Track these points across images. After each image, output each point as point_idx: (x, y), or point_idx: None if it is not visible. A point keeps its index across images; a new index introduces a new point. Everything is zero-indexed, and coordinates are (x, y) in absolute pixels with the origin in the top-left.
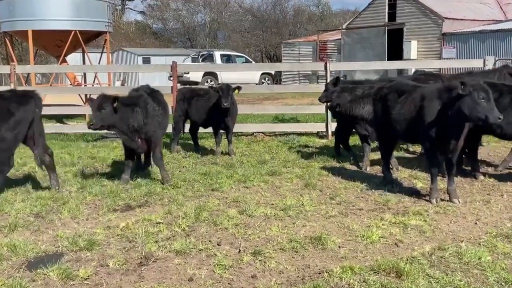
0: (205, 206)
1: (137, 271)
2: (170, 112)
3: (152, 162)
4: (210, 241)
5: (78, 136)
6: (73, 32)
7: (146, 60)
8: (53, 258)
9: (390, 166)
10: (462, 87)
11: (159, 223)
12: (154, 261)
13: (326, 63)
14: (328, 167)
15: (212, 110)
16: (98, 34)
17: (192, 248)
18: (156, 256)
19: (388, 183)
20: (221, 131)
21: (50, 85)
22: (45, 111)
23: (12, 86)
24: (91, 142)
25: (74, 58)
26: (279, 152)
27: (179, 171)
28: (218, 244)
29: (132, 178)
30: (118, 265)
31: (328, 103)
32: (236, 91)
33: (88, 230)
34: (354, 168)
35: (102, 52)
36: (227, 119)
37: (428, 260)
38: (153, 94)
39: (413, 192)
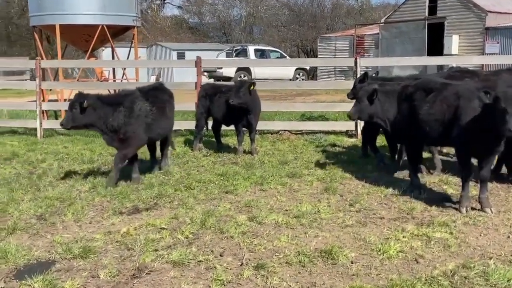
0: (214, 211)
1: (128, 284)
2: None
3: (168, 162)
4: (212, 251)
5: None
6: (100, 27)
7: (181, 55)
8: (44, 267)
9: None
10: (488, 95)
11: (163, 229)
12: (148, 273)
13: (356, 59)
14: (353, 169)
15: (234, 107)
16: (125, 29)
17: (191, 259)
18: (151, 268)
19: (415, 189)
20: (244, 129)
21: (78, 80)
22: None
23: (37, 81)
24: None
25: (107, 53)
26: (303, 152)
27: (197, 171)
28: (220, 255)
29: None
30: (110, 276)
31: None
32: (252, 86)
33: (88, 235)
34: (380, 171)
35: (130, 47)
36: (249, 116)
37: (450, 281)
38: (153, 92)
39: (442, 200)
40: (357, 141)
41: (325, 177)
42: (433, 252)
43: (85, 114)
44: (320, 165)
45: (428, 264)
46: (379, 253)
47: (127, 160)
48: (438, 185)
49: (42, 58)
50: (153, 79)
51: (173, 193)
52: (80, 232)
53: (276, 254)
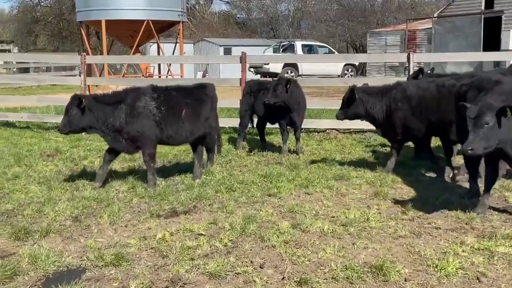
0: (256, 216)
1: None
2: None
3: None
4: (251, 262)
5: None
6: (145, 22)
7: (227, 51)
8: (74, 275)
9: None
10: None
11: (201, 235)
12: (182, 286)
13: (409, 54)
14: (405, 172)
15: (274, 105)
16: (171, 24)
17: (229, 271)
18: (186, 280)
19: (473, 196)
20: (289, 127)
21: (123, 76)
22: None
23: (82, 77)
24: None
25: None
26: (352, 152)
27: (239, 171)
28: (260, 267)
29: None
30: None
31: None
32: (289, 84)
33: (122, 239)
34: (434, 174)
35: (176, 43)
36: (292, 114)
37: None
38: (172, 92)
39: (504, 208)
40: None
41: (375, 180)
42: (497, 270)
43: (82, 116)
44: (369, 166)
45: (491, 284)
46: (436, 269)
47: (155, 160)
48: (499, 192)
49: (88, 54)
50: (199, 75)
51: (214, 195)
52: (115, 236)
53: (321, 267)
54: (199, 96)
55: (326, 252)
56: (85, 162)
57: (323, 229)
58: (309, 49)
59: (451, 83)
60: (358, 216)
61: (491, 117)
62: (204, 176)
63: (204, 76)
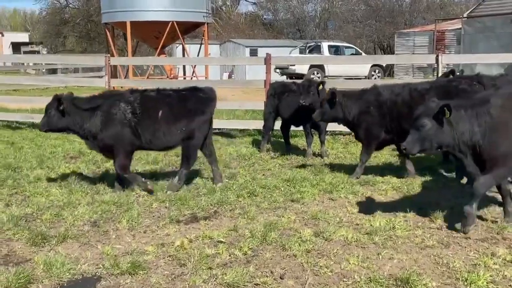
0: (277, 223)
1: None
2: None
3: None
4: (272, 272)
5: None
6: (170, 23)
7: (253, 52)
8: (88, 284)
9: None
10: None
11: (220, 242)
12: None
13: (437, 55)
14: (433, 176)
15: (302, 107)
16: (196, 25)
17: (247, 281)
18: None
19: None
20: (313, 130)
21: (147, 78)
22: None
23: (106, 79)
24: None
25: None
26: (378, 156)
27: (262, 175)
28: (280, 277)
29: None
30: None
31: None
32: (320, 86)
33: (140, 246)
34: (465, 179)
35: (200, 44)
36: None
37: None
38: (151, 96)
39: None
40: None
41: (402, 185)
42: None
43: (60, 118)
44: (395, 171)
45: None
46: (466, 283)
47: (128, 169)
48: None
49: (113, 55)
50: (225, 76)
51: (235, 200)
52: (133, 242)
53: (344, 279)
54: (191, 99)
55: (350, 263)
56: (108, 164)
57: (347, 238)
58: (335, 50)
59: (425, 87)
60: (384, 224)
61: (427, 120)
62: (227, 180)
63: (230, 77)
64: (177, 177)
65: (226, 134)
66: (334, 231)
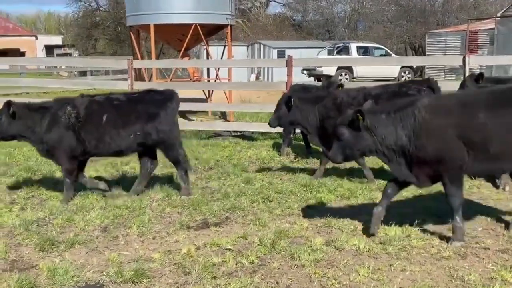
0: (289, 230)
1: None
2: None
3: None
4: (277, 283)
5: (194, 133)
6: (193, 26)
7: (281, 53)
8: None
9: None
10: None
11: (228, 250)
12: None
13: (464, 57)
14: None
15: None
16: (219, 27)
17: None
18: None
19: None
20: None
21: (170, 80)
22: None
23: (129, 81)
24: (203, 140)
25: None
26: None
27: (280, 179)
28: None
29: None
30: None
31: None
32: (340, 88)
33: (147, 253)
34: (491, 187)
35: (224, 46)
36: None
37: None
38: (98, 100)
39: None
40: None
41: (423, 192)
42: None
43: (13, 124)
44: None
45: None
46: None
47: (74, 174)
48: None
49: (138, 58)
50: (252, 78)
51: (249, 205)
52: (141, 249)
53: None
54: (143, 102)
55: (359, 274)
56: (126, 167)
57: (359, 247)
58: (364, 51)
59: (378, 92)
60: (399, 233)
61: (344, 129)
62: (243, 184)
63: (257, 78)
64: (181, 181)
65: (248, 137)
66: (346, 240)
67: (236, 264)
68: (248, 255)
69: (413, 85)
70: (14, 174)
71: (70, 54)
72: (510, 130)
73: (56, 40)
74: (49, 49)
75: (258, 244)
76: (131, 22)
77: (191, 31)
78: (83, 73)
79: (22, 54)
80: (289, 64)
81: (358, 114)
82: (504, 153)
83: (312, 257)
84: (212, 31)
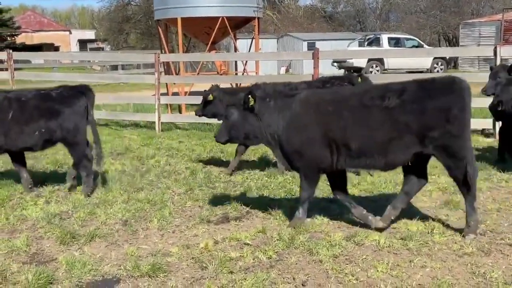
0: (309, 225)
1: None
2: None
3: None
4: (294, 278)
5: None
6: (220, 19)
7: (311, 45)
8: (107, 286)
9: None
10: None
11: (246, 244)
12: None
13: (495, 47)
14: (484, 176)
15: None
16: (246, 20)
17: None
18: None
19: None
20: None
21: (198, 74)
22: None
23: (156, 75)
24: None
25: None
26: None
27: None
28: (302, 285)
29: None
30: None
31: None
32: (360, 79)
33: (166, 247)
34: None
35: (252, 39)
36: None
37: None
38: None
39: None
40: (495, 141)
41: (448, 186)
42: None
43: None
44: (445, 170)
45: None
46: None
47: None
48: None
49: (166, 52)
50: (283, 71)
51: (270, 199)
52: (159, 243)
53: None
54: (51, 99)
55: (378, 270)
56: (152, 161)
57: (379, 243)
58: (395, 42)
59: (302, 87)
60: (422, 228)
61: (234, 110)
62: (266, 178)
63: (287, 71)
64: (69, 179)
65: None
66: (366, 235)
67: (253, 259)
68: (266, 250)
69: (336, 81)
70: (42, 167)
71: (102, 49)
72: (373, 127)
73: (89, 34)
74: (83, 44)
75: (277, 239)
76: (158, 16)
77: (218, 24)
78: (114, 67)
79: (56, 48)
80: (315, 56)
81: (250, 96)
82: (372, 150)
83: (330, 252)
84: (239, 24)
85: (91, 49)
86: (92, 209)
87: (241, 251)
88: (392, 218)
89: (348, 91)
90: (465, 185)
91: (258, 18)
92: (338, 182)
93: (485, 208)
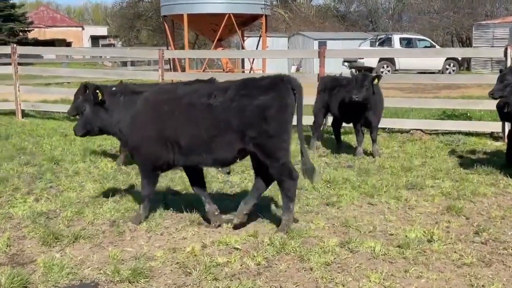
0: (302, 230)
1: None
2: None
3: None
4: (281, 287)
5: None
6: (226, 16)
7: (322, 44)
8: None
9: None
10: None
11: (236, 249)
12: None
13: (506, 49)
14: (491, 181)
15: (352, 103)
16: (254, 17)
17: None
18: None
19: None
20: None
21: (203, 71)
22: None
23: (160, 72)
24: None
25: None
26: (434, 156)
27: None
28: None
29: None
30: None
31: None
32: (376, 80)
33: (152, 250)
34: None
35: (259, 36)
36: (368, 114)
37: None
38: None
39: None
40: (504, 145)
41: (452, 191)
42: None
43: None
44: (450, 174)
45: None
46: None
47: None
48: None
49: (172, 48)
50: (293, 69)
51: (267, 201)
52: (145, 246)
53: None
54: None
55: (370, 280)
56: None
57: (374, 250)
58: (407, 43)
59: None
60: (420, 235)
61: (86, 104)
62: None
63: (297, 70)
64: None
65: None
66: (361, 242)
67: (241, 265)
68: (255, 256)
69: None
70: (37, 163)
71: (113, 45)
72: (199, 125)
73: (102, 31)
74: (95, 40)
75: (268, 244)
76: (165, 12)
77: (224, 21)
78: (125, 64)
79: (68, 44)
80: (321, 55)
81: (97, 91)
82: (199, 147)
83: (322, 260)
84: (246, 21)
85: (103, 45)
86: (80, 208)
87: (229, 256)
88: (245, 212)
89: (183, 89)
90: (280, 185)
91: (266, 15)
92: (194, 178)
93: (489, 215)
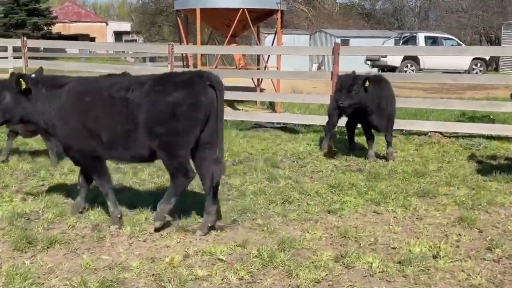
0: (295, 241)
1: None
2: None
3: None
4: None
5: (238, 123)
6: (240, 11)
7: (345, 42)
8: None
9: None
10: None
11: (220, 260)
12: None
13: None
14: (510, 190)
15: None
16: (269, 13)
17: None
18: None
19: None
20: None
21: (215, 67)
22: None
23: (169, 67)
24: (243, 131)
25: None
26: (451, 161)
27: (310, 178)
28: None
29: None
30: None
31: None
32: (367, 82)
33: (129, 259)
34: None
35: (275, 33)
36: (370, 117)
37: None
38: None
39: None
40: None
41: (467, 200)
42: None
43: None
44: (466, 181)
45: None
46: None
47: None
48: None
49: (184, 44)
50: (314, 68)
51: (264, 207)
52: (123, 254)
53: None
54: None
55: None
56: None
57: (371, 266)
58: (433, 42)
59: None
60: (426, 250)
61: (7, 92)
62: (266, 182)
63: (319, 68)
64: None
65: (290, 129)
66: (358, 256)
67: (221, 280)
68: (238, 270)
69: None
70: (33, 160)
71: (135, 41)
72: (115, 119)
73: (125, 26)
74: (118, 35)
75: (255, 256)
76: (178, 6)
77: (238, 16)
78: (147, 59)
79: (91, 39)
80: (335, 52)
81: (20, 80)
82: (116, 142)
83: (312, 276)
84: (261, 17)
85: (126, 41)
86: (64, 209)
87: (210, 268)
88: (165, 214)
89: (106, 81)
90: (172, 179)
91: (282, 11)
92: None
93: (505, 228)
